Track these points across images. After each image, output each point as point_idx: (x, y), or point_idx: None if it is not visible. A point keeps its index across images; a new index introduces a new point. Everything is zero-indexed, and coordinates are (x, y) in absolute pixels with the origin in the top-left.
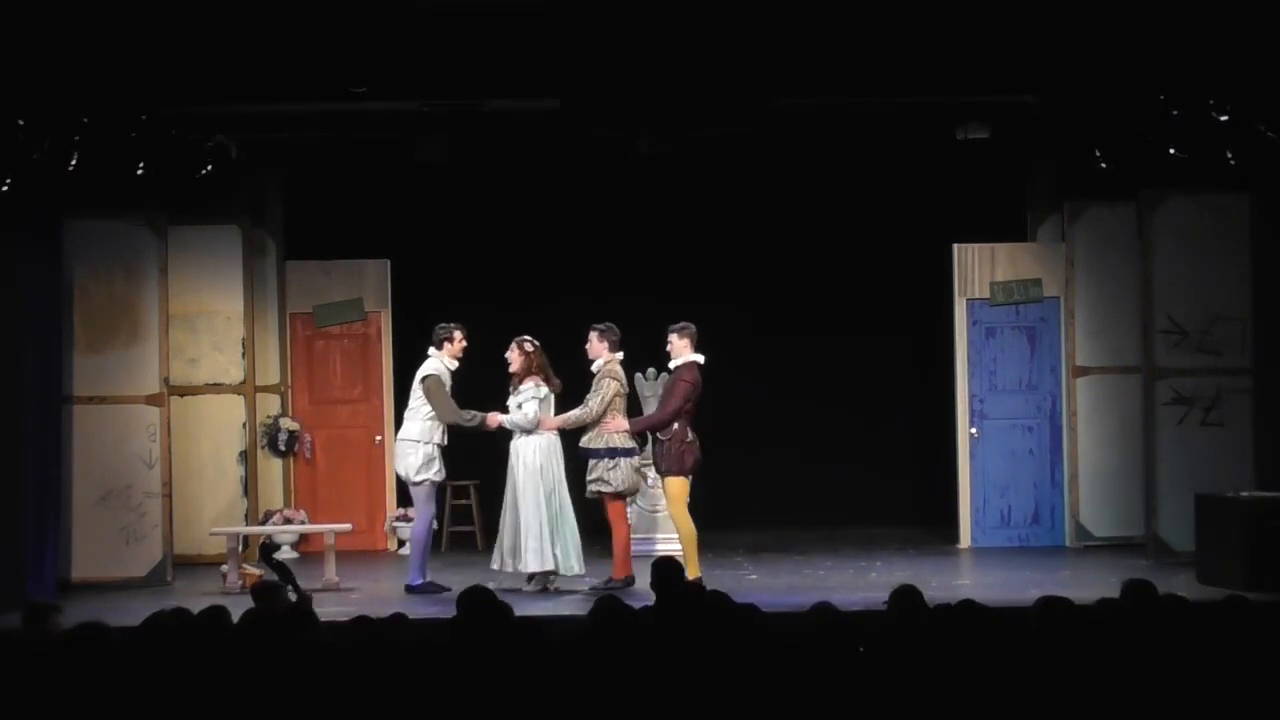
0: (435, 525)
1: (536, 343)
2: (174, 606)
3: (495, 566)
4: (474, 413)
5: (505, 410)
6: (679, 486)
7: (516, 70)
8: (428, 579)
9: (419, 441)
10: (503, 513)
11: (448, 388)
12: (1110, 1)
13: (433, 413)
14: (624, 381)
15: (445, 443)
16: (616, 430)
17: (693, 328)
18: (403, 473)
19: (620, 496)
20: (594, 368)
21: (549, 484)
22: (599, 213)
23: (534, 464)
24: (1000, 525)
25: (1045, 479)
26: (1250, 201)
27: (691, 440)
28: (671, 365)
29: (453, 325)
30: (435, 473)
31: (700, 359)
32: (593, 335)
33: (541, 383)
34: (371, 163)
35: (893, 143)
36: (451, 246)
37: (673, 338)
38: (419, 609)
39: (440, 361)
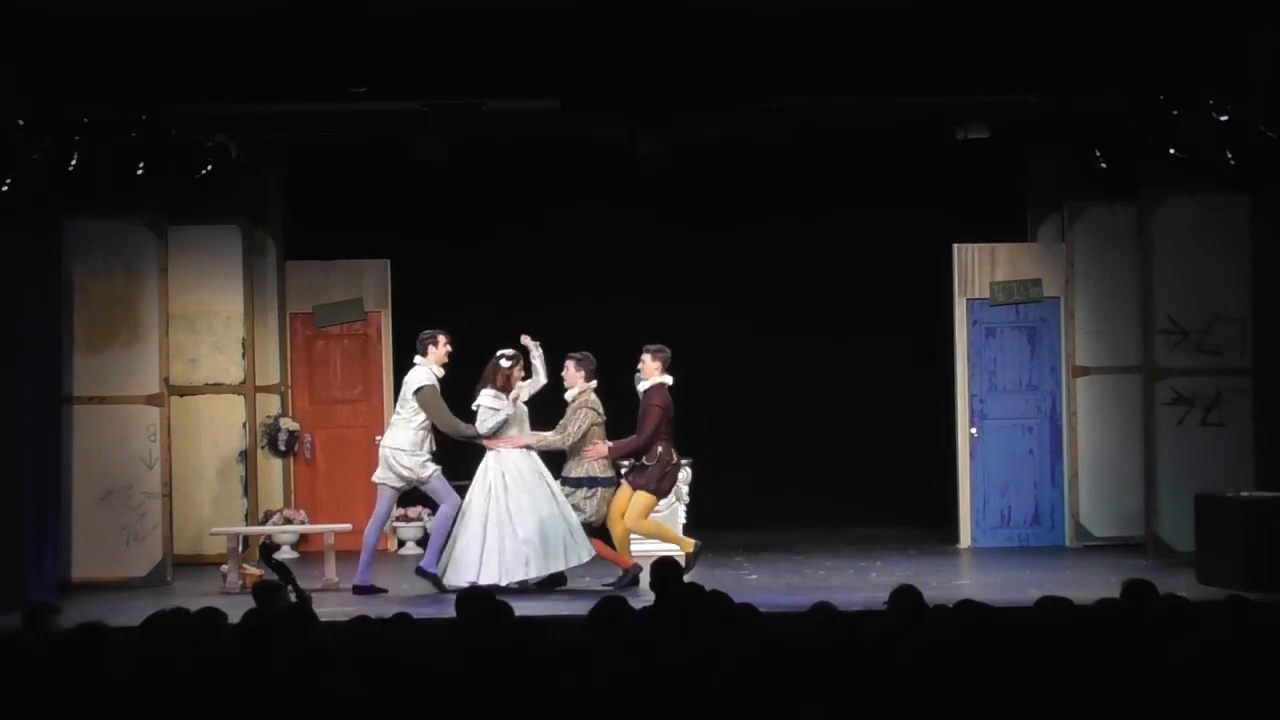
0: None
1: (518, 353)
2: (174, 606)
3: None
4: (473, 429)
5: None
6: (647, 502)
7: (516, 70)
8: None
9: (408, 451)
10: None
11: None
12: (1110, 1)
13: (426, 423)
14: (600, 410)
15: (434, 449)
16: (596, 458)
17: (667, 351)
18: (408, 476)
19: (588, 527)
20: (568, 396)
21: (491, 493)
22: (599, 213)
23: (485, 479)
24: (1000, 525)
25: (1045, 479)
26: (1250, 201)
27: (675, 464)
28: (640, 387)
29: (436, 331)
30: (436, 467)
31: (669, 380)
32: (570, 364)
33: (501, 393)
34: (371, 163)
35: (893, 143)
36: (451, 246)
37: (646, 359)
38: (419, 609)
39: (428, 369)
